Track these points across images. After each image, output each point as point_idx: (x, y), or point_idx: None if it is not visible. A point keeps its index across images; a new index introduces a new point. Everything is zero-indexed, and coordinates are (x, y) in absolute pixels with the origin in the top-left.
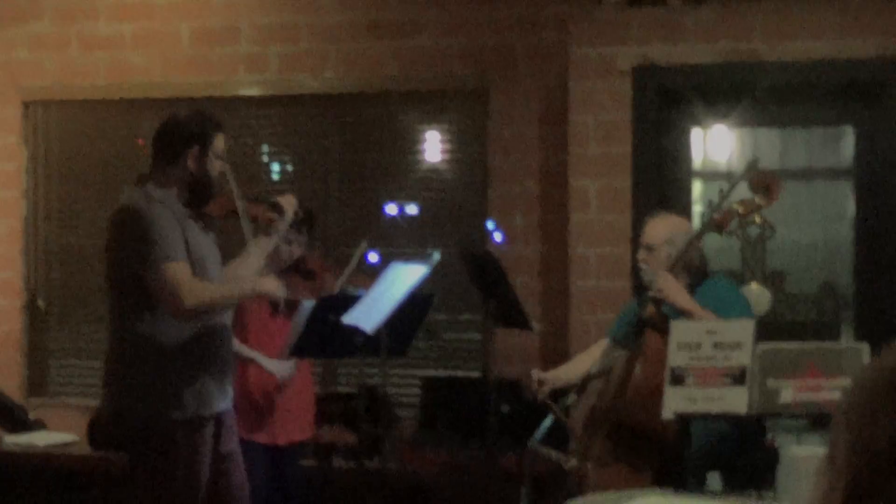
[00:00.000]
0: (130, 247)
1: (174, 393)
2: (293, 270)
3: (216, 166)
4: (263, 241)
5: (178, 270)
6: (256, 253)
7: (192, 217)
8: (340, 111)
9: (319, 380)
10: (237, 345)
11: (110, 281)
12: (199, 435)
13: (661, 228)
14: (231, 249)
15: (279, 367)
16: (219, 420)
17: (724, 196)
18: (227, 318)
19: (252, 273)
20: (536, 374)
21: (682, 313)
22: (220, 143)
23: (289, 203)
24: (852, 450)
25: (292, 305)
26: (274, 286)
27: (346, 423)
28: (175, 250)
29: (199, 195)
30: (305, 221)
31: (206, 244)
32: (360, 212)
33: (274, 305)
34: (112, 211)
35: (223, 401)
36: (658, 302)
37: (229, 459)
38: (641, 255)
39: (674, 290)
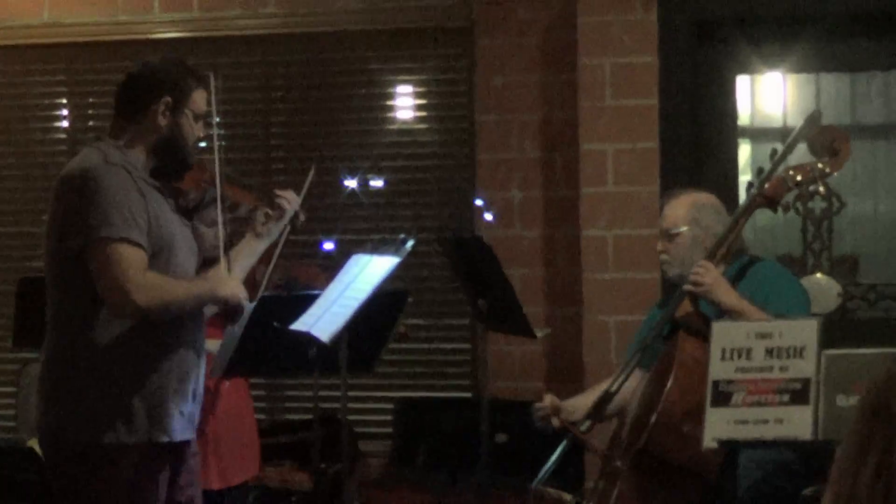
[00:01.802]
0: (75, 220)
1: (123, 411)
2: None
3: (195, 129)
4: (252, 241)
5: (130, 256)
6: (244, 256)
7: (161, 190)
8: (284, 58)
9: (263, 406)
10: None
11: (50, 267)
12: (151, 466)
13: (681, 209)
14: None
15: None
16: (178, 459)
17: (776, 161)
18: (202, 324)
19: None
20: (551, 399)
21: (728, 314)
22: (199, 99)
23: (289, 198)
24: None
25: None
26: (238, 291)
27: (297, 461)
28: (131, 229)
29: (170, 162)
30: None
31: (174, 224)
32: (312, 187)
33: (230, 316)
34: (59, 176)
35: (186, 429)
36: (695, 298)
37: None
38: (661, 244)
39: (717, 283)
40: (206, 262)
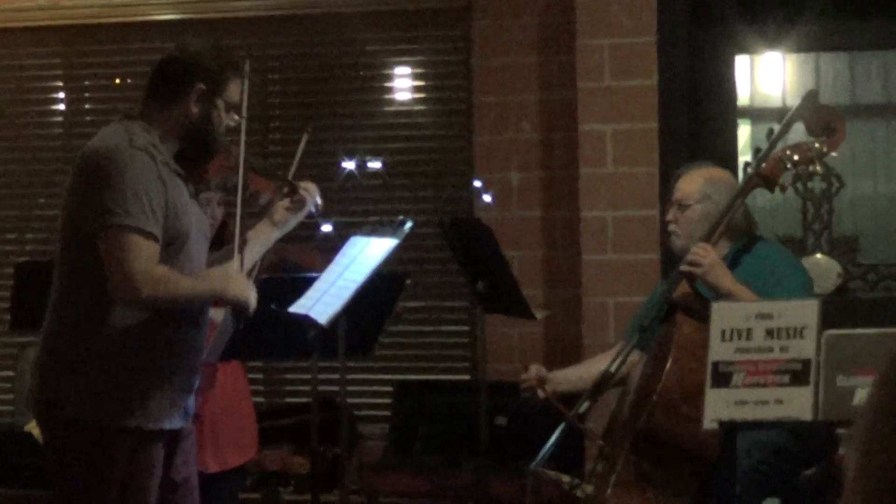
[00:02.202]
0: (92, 202)
1: (120, 395)
2: (213, 244)
3: (225, 119)
4: (266, 230)
5: (142, 246)
6: (256, 245)
7: (181, 175)
8: (280, 40)
9: (261, 389)
10: None
11: (61, 244)
12: (146, 454)
13: (698, 182)
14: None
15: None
16: (174, 439)
17: (773, 140)
18: (205, 322)
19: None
20: (536, 369)
21: (723, 297)
22: (235, 90)
23: (311, 191)
24: (864, 474)
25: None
26: (248, 293)
27: (296, 444)
28: (147, 219)
29: (196, 149)
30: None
31: (193, 214)
32: (309, 168)
33: (238, 316)
34: (81, 152)
35: (182, 417)
36: (691, 279)
37: (183, 488)
38: (671, 214)
39: (714, 266)
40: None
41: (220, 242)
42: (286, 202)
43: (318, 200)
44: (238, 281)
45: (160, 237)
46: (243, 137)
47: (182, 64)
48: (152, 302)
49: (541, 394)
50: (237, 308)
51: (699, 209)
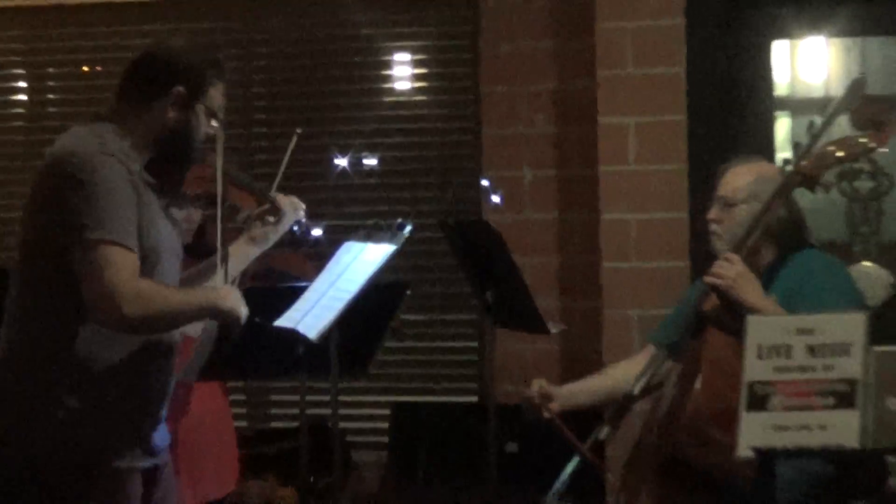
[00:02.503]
0: (63, 213)
1: (96, 431)
2: (191, 253)
3: (205, 125)
4: (245, 247)
5: (122, 261)
6: (234, 262)
7: (155, 188)
8: (265, 23)
9: (244, 412)
10: None
11: (23, 255)
12: (120, 492)
13: (746, 178)
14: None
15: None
16: (151, 473)
17: (814, 135)
18: (172, 354)
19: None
20: (539, 384)
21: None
22: (216, 94)
23: (291, 205)
24: None
25: None
26: (241, 305)
27: (282, 474)
28: (125, 232)
29: (171, 159)
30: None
31: (163, 228)
32: (298, 165)
33: (226, 331)
34: (49, 154)
35: (148, 455)
36: (719, 292)
37: None
38: (714, 212)
39: (741, 279)
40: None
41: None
42: (266, 218)
43: (303, 217)
44: (230, 293)
45: (138, 250)
46: (221, 146)
47: (160, 64)
48: (138, 321)
49: (546, 414)
50: (229, 323)
51: (745, 209)
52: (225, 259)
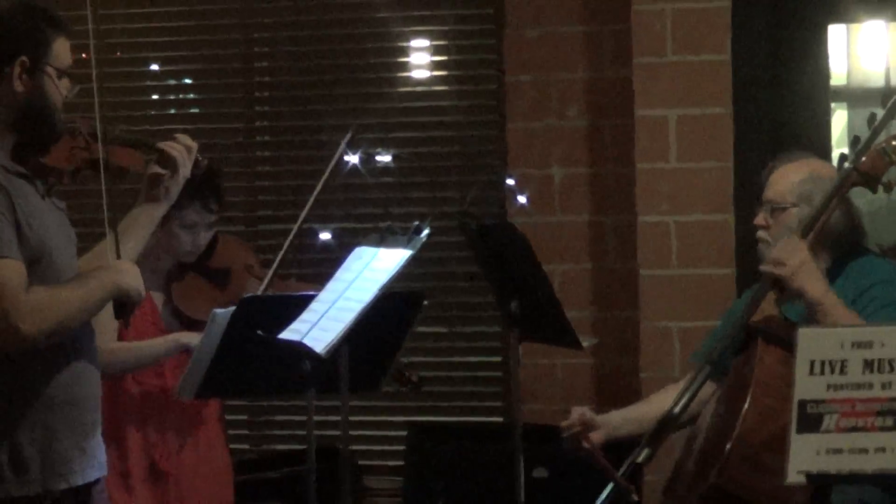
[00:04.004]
0: None
1: (10, 458)
2: (195, 270)
3: (60, 88)
4: (147, 209)
5: (5, 274)
6: (138, 229)
7: (25, 175)
8: (269, 6)
9: (245, 434)
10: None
11: None
12: None
13: (795, 178)
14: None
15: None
16: (83, 496)
17: (875, 128)
18: (89, 334)
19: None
20: (580, 413)
21: (811, 308)
22: (62, 51)
23: (182, 148)
24: None
25: (192, 326)
26: (139, 280)
27: (288, 501)
28: (0, 241)
29: (33, 137)
30: (212, 186)
31: (49, 217)
32: (305, 163)
33: (119, 309)
34: None
35: (89, 467)
36: (779, 285)
37: None
38: (761, 217)
39: (804, 266)
40: (180, 268)
41: (206, 272)
42: (157, 169)
43: (196, 156)
44: (125, 268)
45: (20, 257)
46: (97, 103)
47: None
48: (41, 336)
49: (585, 445)
50: (125, 301)
51: (796, 213)
52: (114, 228)
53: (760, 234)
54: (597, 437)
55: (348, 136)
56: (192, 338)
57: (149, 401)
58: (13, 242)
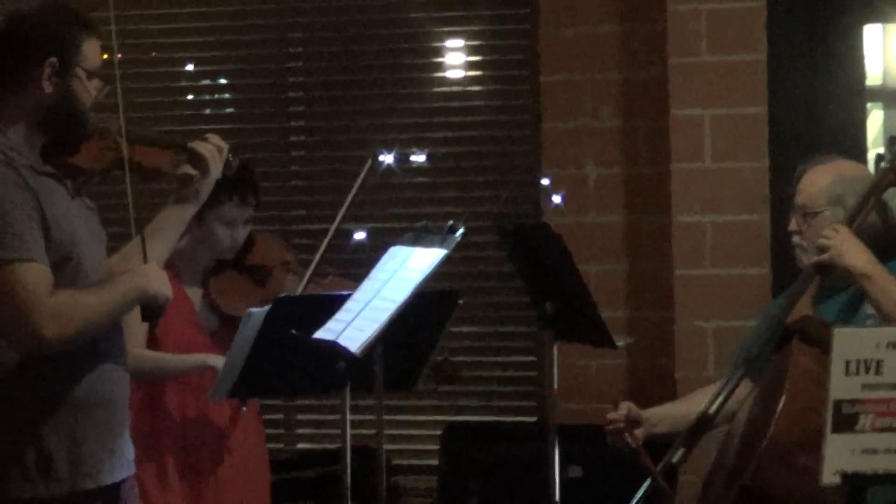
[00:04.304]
0: None
1: (36, 457)
2: (233, 267)
3: (90, 89)
4: (176, 210)
5: (29, 278)
6: (167, 231)
7: (54, 175)
8: (303, 6)
9: (279, 433)
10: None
11: None
12: None
13: (826, 181)
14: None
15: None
16: (111, 495)
17: None
18: (118, 334)
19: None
20: (627, 407)
21: (861, 283)
22: (92, 52)
23: (213, 148)
24: None
25: (230, 322)
26: (166, 286)
27: (322, 501)
28: (24, 244)
29: (62, 138)
30: (248, 180)
31: (77, 217)
32: (340, 164)
33: (147, 313)
34: None
35: (118, 467)
36: (826, 270)
37: None
38: (795, 223)
39: (847, 243)
40: (218, 264)
41: (244, 269)
42: (187, 169)
43: (227, 156)
44: (151, 272)
45: (46, 259)
46: (120, 100)
47: (20, 38)
48: (61, 341)
49: (631, 442)
50: (152, 304)
51: (830, 216)
52: (141, 232)
53: (795, 239)
54: (640, 433)
55: (368, 163)
56: (217, 360)
57: (188, 398)
58: (39, 245)
